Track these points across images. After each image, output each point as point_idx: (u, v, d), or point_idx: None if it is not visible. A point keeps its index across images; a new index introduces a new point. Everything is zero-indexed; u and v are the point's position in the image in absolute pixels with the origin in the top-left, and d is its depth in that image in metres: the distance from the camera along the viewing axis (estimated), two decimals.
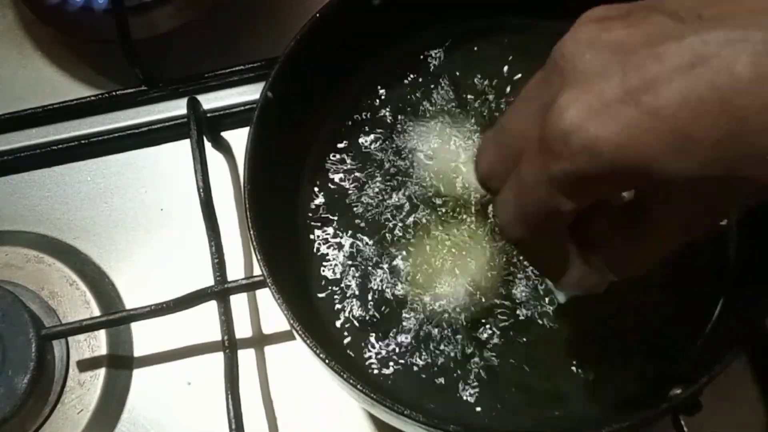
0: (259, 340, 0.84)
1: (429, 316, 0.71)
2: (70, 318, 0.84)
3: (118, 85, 0.95)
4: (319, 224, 0.76)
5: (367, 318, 0.71)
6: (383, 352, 0.70)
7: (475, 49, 0.81)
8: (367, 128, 0.79)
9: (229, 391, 0.77)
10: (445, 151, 0.77)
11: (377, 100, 0.80)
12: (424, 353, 0.70)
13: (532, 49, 0.79)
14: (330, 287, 0.73)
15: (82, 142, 0.93)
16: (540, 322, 0.70)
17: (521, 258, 0.71)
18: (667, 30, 0.46)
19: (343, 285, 0.73)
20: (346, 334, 0.71)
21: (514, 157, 0.52)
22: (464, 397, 0.68)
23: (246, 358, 0.82)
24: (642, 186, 0.50)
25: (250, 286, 0.81)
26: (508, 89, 0.79)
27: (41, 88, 0.97)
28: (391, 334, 0.71)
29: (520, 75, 0.79)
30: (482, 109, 0.78)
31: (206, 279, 0.82)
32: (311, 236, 0.75)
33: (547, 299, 0.70)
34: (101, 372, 0.82)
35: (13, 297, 0.81)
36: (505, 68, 0.80)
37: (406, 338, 0.70)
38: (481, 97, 0.79)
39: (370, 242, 0.75)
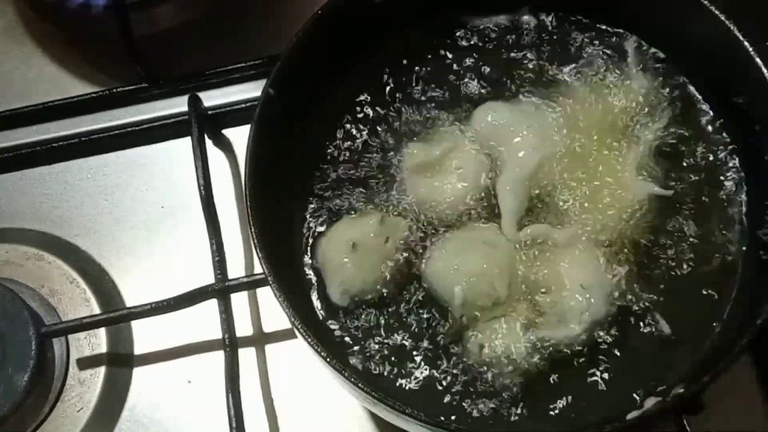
0: (260, 339, 0.84)
1: (429, 317, 0.71)
2: (70, 316, 0.84)
3: (119, 82, 0.95)
4: (320, 221, 0.75)
5: (368, 316, 0.71)
6: (384, 351, 0.70)
7: (476, 44, 0.81)
8: (367, 125, 0.78)
9: (229, 390, 0.76)
10: (444, 145, 0.77)
11: (378, 97, 0.79)
12: (423, 353, 0.70)
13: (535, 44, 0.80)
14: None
15: (83, 139, 0.93)
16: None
17: None
18: None
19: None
20: (346, 332, 0.71)
21: None
22: (465, 395, 0.68)
23: (246, 356, 0.82)
24: None
25: (251, 284, 0.81)
26: (512, 88, 0.78)
27: (42, 86, 0.97)
28: (392, 333, 0.70)
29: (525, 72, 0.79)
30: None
31: (207, 277, 0.82)
32: (312, 234, 0.75)
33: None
34: (101, 370, 0.82)
35: (13, 294, 0.81)
36: (510, 64, 0.79)
37: (407, 337, 0.70)
38: (482, 95, 0.79)
39: None
